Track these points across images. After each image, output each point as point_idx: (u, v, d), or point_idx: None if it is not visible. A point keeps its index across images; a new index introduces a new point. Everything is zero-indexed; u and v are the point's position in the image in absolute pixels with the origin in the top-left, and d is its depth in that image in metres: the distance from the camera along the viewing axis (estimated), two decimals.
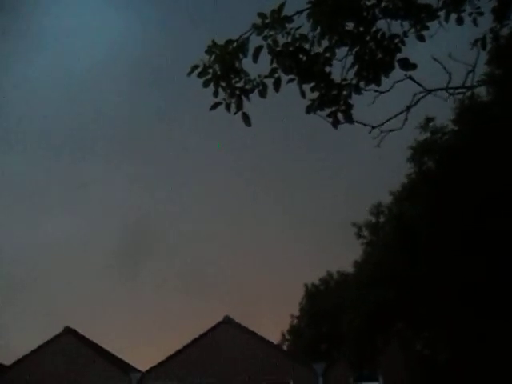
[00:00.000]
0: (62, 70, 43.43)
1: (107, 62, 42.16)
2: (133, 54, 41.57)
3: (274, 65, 4.30)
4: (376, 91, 4.64)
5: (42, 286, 40.64)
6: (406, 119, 4.93)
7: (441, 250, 14.64)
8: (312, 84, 4.42)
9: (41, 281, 41.75)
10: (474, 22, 4.77)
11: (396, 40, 4.41)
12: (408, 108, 4.92)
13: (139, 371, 23.84)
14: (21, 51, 38.71)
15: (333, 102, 4.48)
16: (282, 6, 4.20)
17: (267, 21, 4.19)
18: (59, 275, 41.18)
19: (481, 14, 4.82)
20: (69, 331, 23.77)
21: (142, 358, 44.04)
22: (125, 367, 24.64)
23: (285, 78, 4.35)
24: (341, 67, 4.47)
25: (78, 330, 24.31)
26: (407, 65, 4.41)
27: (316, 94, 4.46)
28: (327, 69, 4.46)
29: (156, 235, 45.55)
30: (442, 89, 4.98)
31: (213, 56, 4.18)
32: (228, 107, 4.28)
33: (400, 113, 4.92)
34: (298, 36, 4.30)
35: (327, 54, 4.42)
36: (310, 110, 4.47)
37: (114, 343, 44.36)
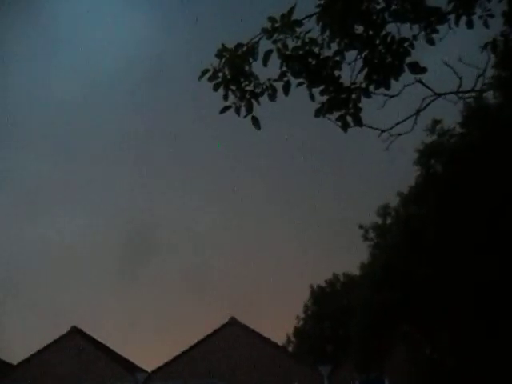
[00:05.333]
0: (67, 69, 43.70)
1: (110, 62, 42.36)
2: (135, 54, 41.76)
3: (284, 68, 4.30)
4: (385, 95, 4.63)
5: (47, 286, 40.86)
6: (415, 123, 4.92)
7: (449, 251, 14.58)
8: (321, 87, 4.42)
9: (47, 281, 41.97)
10: (485, 24, 4.75)
11: (405, 43, 4.40)
12: (417, 112, 4.91)
13: (145, 371, 23.91)
14: (32, 48, 38.97)
15: (342, 105, 4.48)
16: (291, 10, 4.21)
17: (277, 25, 4.20)
18: (64, 275, 41.38)
19: (492, 16, 4.79)
20: (76, 331, 23.89)
21: (148, 359, 44.19)
22: (131, 367, 24.72)
23: (294, 81, 4.36)
24: (350, 71, 4.47)
25: (84, 329, 24.43)
26: (417, 68, 4.40)
27: (325, 98, 4.46)
28: (336, 72, 4.45)
29: (161, 236, 45.66)
30: (451, 93, 4.97)
31: (223, 60, 4.20)
32: (238, 111, 4.30)
33: (409, 117, 4.92)
34: (307, 40, 4.30)
35: (336, 58, 4.42)
36: (319, 113, 4.48)
37: (120, 343, 44.51)
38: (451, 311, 15.07)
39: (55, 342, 23.75)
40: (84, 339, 23.87)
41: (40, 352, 23.61)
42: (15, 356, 24.53)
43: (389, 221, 18.30)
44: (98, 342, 24.88)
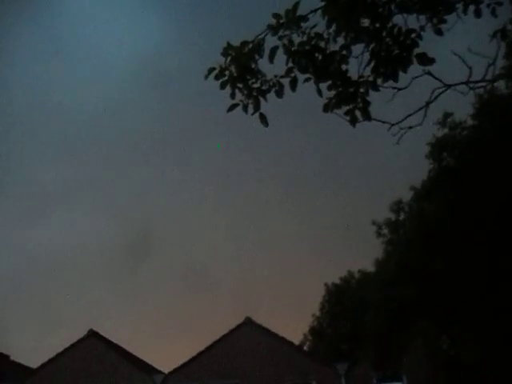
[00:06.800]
0: (68, 70, 43.98)
1: (110, 62, 42.59)
2: (132, 54, 41.81)
3: (290, 64, 4.29)
4: (394, 88, 4.58)
5: (62, 289, 41.17)
6: (425, 115, 4.86)
7: (463, 245, 14.41)
8: (329, 82, 4.39)
9: (61, 283, 42.28)
10: (493, 12, 4.67)
11: (413, 35, 4.35)
12: (427, 104, 4.85)
13: (162, 373, 24.02)
14: (33, 49, 39.26)
15: (350, 99, 4.44)
16: (296, 5, 4.19)
17: (282, 21, 4.18)
18: (69, 278, 41.61)
19: (500, 4, 4.71)
20: (93, 334, 24.07)
21: (165, 360, 44.41)
22: (148, 369, 24.85)
23: (301, 77, 4.33)
24: (357, 64, 4.43)
25: (101, 332, 24.62)
26: (425, 59, 4.34)
27: (333, 93, 4.43)
28: (343, 66, 4.42)
29: (169, 236, 45.58)
30: (461, 83, 4.89)
31: (229, 58, 4.19)
32: (245, 108, 4.29)
33: (419, 109, 4.86)
34: (313, 35, 4.28)
35: (343, 52, 4.38)
36: (327, 108, 4.45)
37: (137, 345, 44.72)
38: (468, 306, 14.89)
39: (73, 345, 23.95)
40: (101, 342, 24.06)
41: (58, 355, 23.84)
42: (37, 360, 24.76)
43: (402, 216, 18.14)
44: (115, 345, 25.05)
